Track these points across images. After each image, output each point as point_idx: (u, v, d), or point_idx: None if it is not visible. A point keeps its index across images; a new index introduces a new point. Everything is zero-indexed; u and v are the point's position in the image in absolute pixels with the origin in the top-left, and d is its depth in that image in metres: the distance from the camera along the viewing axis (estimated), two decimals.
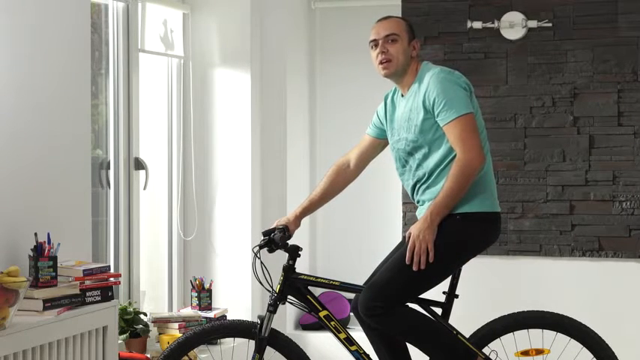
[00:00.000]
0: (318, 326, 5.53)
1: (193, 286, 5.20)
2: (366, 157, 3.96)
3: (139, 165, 5.03)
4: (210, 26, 5.52)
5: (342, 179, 3.95)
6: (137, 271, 5.03)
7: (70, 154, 4.01)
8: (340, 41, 6.00)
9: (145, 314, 4.85)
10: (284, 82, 5.66)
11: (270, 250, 3.76)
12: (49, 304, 3.48)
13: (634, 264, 5.37)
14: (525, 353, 3.80)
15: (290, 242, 3.75)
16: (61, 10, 3.94)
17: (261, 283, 3.73)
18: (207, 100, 5.53)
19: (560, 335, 3.79)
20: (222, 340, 4.96)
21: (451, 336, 3.65)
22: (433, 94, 3.60)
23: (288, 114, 5.69)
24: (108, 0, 4.88)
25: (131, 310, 4.73)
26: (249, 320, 3.82)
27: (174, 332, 4.89)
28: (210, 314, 5.10)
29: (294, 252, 3.72)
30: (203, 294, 5.16)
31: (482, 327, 3.76)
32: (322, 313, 3.73)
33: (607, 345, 3.74)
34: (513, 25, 5.49)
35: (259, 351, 3.69)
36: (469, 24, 5.54)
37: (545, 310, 3.86)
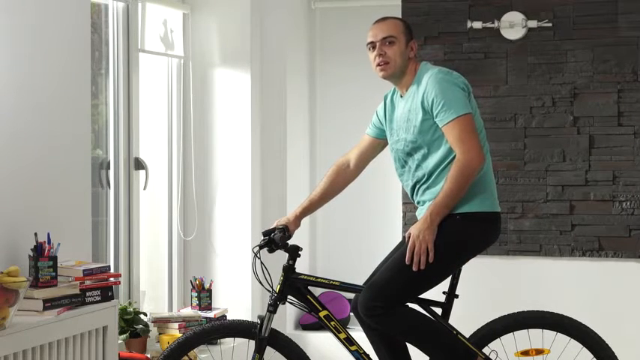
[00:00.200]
0: (318, 326, 5.53)
1: (193, 286, 5.20)
2: (366, 157, 3.96)
3: (139, 165, 5.03)
4: (210, 26, 5.52)
5: (342, 179, 3.95)
6: (137, 271, 5.03)
7: (70, 154, 4.01)
8: (340, 41, 6.00)
9: (145, 314, 4.85)
10: (284, 82, 5.66)
11: (270, 250, 3.76)
12: (49, 304, 3.48)
13: (634, 264, 5.37)
14: (525, 353, 3.80)
15: (290, 242, 3.75)
16: (61, 10, 3.94)
17: (261, 283, 3.73)
18: (207, 100, 5.53)
19: (560, 335, 3.79)
20: (222, 340, 4.96)
21: (451, 336, 3.65)
22: (431, 94, 3.60)
23: (288, 114, 5.69)
24: (108, 0, 4.88)
25: (131, 310, 4.73)
26: (249, 320, 3.82)
27: (174, 332, 4.89)
28: (210, 314, 5.10)
29: (294, 252, 3.72)
30: (203, 294, 5.16)
31: (482, 327, 3.76)
32: (322, 313, 3.73)
33: (607, 345, 3.74)
34: (513, 25, 5.49)
35: (259, 351, 3.69)
36: (469, 24, 5.54)
37: (545, 310, 3.87)
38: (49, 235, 3.60)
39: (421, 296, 3.69)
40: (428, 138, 3.64)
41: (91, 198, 4.20)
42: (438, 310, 3.71)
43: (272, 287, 3.75)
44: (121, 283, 4.86)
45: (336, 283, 3.76)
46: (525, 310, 3.86)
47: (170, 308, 5.44)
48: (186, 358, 3.83)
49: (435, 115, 3.60)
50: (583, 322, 3.78)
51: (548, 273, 5.48)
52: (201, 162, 5.51)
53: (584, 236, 5.43)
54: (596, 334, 3.75)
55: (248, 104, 5.51)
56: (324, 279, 3.79)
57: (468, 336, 3.71)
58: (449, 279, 3.71)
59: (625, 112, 5.37)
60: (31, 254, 3.53)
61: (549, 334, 3.80)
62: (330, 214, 5.72)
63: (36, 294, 3.45)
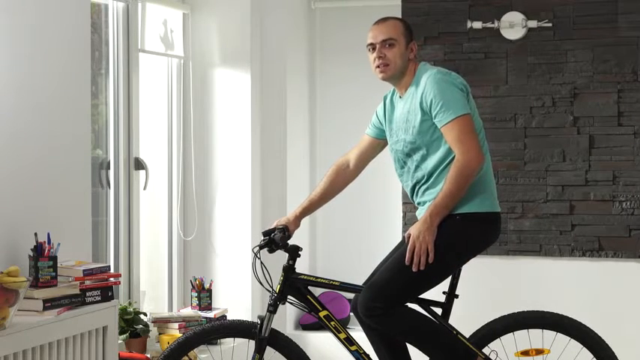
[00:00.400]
0: (318, 326, 5.53)
1: (193, 286, 5.20)
2: (366, 157, 3.96)
3: (139, 165, 5.03)
4: (210, 26, 5.52)
5: (341, 179, 3.95)
6: (137, 271, 5.03)
7: (70, 154, 4.01)
8: (340, 41, 6.00)
9: (145, 314, 4.85)
10: (284, 82, 5.66)
11: (271, 251, 3.76)
12: (49, 304, 3.48)
13: (634, 264, 5.37)
14: (525, 353, 3.80)
15: (290, 242, 3.75)
16: (61, 10, 3.94)
17: (261, 283, 3.73)
18: (207, 100, 5.53)
19: (560, 335, 3.79)
20: (222, 340, 4.96)
21: (451, 336, 3.65)
22: (430, 95, 3.60)
23: (288, 114, 5.69)
24: (108, 0, 4.88)
25: (131, 310, 4.73)
26: (249, 320, 3.82)
27: (174, 332, 4.89)
28: (210, 314, 5.10)
29: (294, 252, 3.72)
30: (203, 294, 5.16)
31: (482, 327, 3.76)
32: (322, 313, 3.73)
33: (607, 345, 3.74)
34: (513, 25, 5.49)
35: (259, 351, 3.69)
36: (469, 24, 5.54)
37: (545, 310, 3.87)
38: (49, 235, 3.60)
39: (421, 296, 3.69)
40: (427, 139, 3.64)
41: (91, 198, 4.20)
42: (438, 310, 3.71)
43: (272, 287, 3.75)
44: (121, 283, 4.86)
45: (336, 283, 3.76)
46: (525, 310, 3.86)
47: (170, 308, 5.44)
48: (186, 358, 3.83)
49: (433, 115, 3.60)
50: (583, 322, 3.78)
51: (548, 273, 5.48)
52: (201, 162, 5.51)
53: (584, 236, 5.43)
54: (596, 334, 3.75)
55: (248, 104, 5.51)
56: (324, 279, 3.79)
57: (468, 336, 3.71)
58: (449, 279, 3.71)
59: (625, 112, 5.37)
60: (31, 254, 3.53)
61: (549, 334, 3.80)
62: (330, 214, 5.72)
63: (36, 294, 3.45)
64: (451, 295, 3.72)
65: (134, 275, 5.00)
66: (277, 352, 3.79)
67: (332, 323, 3.73)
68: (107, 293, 3.76)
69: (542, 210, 5.48)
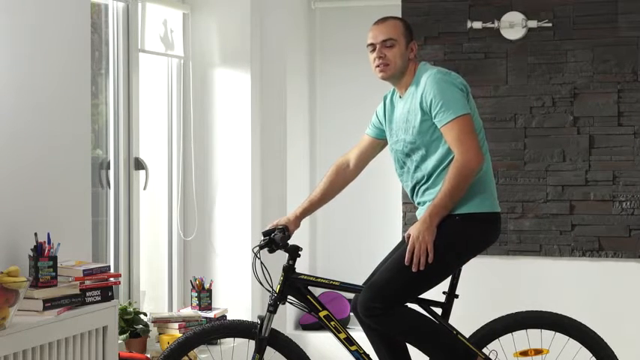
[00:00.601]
0: (318, 326, 5.53)
1: (193, 286, 5.20)
2: (366, 157, 3.96)
3: (139, 165, 5.03)
4: (210, 26, 5.52)
5: (341, 179, 3.95)
6: (137, 271, 5.03)
7: (70, 154, 4.01)
8: (340, 41, 6.00)
9: (145, 314, 4.85)
10: (284, 82, 5.66)
11: (271, 251, 3.76)
12: (49, 304, 3.47)
13: (634, 264, 5.37)
14: (524, 354, 3.80)
15: (290, 242, 3.75)
16: (61, 10, 3.94)
17: (261, 283, 3.73)
18: (207, 100, 5.53)
19: (558, 335, 3.79)
20: (222, 340, 4.96)
21: (451, 336, 3.65)
22: (430, 95, 3.60)
23: (288, 114, 5.69)
24: (108, 0, 4.88)
25: (131, 310, 4.73)
26: (249, 320, 3.82)
27: (174, 332, 4.89)
28: (210, 314, 5.10)
29: (294, 252, 3.72)
30: (203, 294, 5.16)
31: (482, 327, 3.76)
32: (322, 313, 3.73)
33: (607, 345, 3.74)
34: (513, 25, 5.49)
35: (259, 351, 3.69)
36: (469, 24, 5.54)
37: (545, 310, 3.86)
38: (49, 235, 3.60)
39: (421, 296, 3.69)
40: (427, 139, 3.64)
41: (91, 198, 4.20)
42: (438, 310, 3.71)
43: (272, 287, 3.75)
44: (121, 283, 4.86)
45: (336, 283, 3.76)
46: (525, 310, 3.86)
47: (170, 308, 5.44)
48: (186, 358, 3.83)
49: (433, 115, 3.60)
50: (583, 322, 3.78)
51: (548, 273, 5.48)
52: (201, 162, 5.51)
53: (584, 236, 5.43)
54: (596, 334, 3.75)
55: (248, 104, 5.51)
56: (324, 279, 3.78)
57: (468, 336, 3.71)
58: (449, 279, 3.71)
59: (625, 112, 5.37)
60: (31, 254, 3.53)
61: (548, 334, 3.80)
62: (330, 214, 5.72)
63: (36, 294, 3.45)
64: (451, 295, 3.71)
65: (134, 275, 5.00)
66: (277, 352, 3.79)
67: (332, 323, 3.73)
68: (107, 293, 3.76)
69: (542, 210, 5.48)
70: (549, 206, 5.47)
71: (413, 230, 3.55)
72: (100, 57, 4.88)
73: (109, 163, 4.88)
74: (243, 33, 5.50)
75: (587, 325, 3.77)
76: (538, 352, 3.77)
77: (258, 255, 3.72)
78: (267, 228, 3.81)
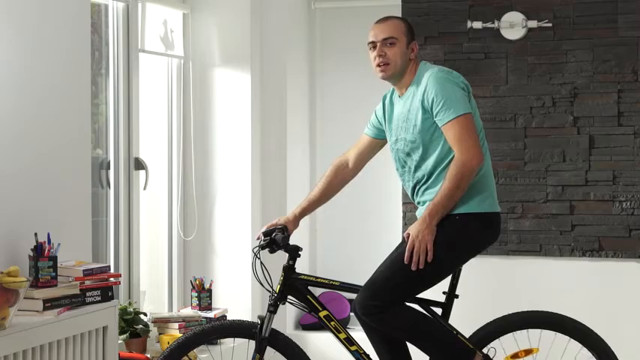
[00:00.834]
0: (318, 326, 5.53)
1: (193, 286, 5.20)
2: (364, 156, 3.96)
3: (139, 165, 5.03)
4: (210, 26, 5.52)
5: (340, 179, 3.95)
6: (137, 271, 5.03)
7: (70, 154, 4.01)
8: (340, 41, 6.00)
9: (145, 314, 4.85)
10: (284, 82, 5.66)
11: (271, 251, 3.76)
12: (49, 304, 3.47)
13: (634, 264, 5.37)
14: (515, 356, 3.78)
15: (290, 242, 3.75)
16: (61, 10, 3.94)
17: (261, 283, 3.73)
18: (207, 100, 5.53)
19: (559, 335, 3.79)
20: (222, 340, 4.96)
21: (450, 335, 3.65)
22: (432, 94, 3.60)
23: (288, 114, 5.68)
24: (108, 0, 4.88)
25: (131, 310, 4.73)
26: (250, 320, 3.82)
27: (174, 332, 4.88)
28: (210, 314, 5.10)
29: (295, 252, 3.72)
30: (203, 294, 5.16)
31: (482, 327, 3.76)
32: (322, 313, 3.73)
33: (607, 345, 3.74)
34: (513, 25, 5.49)
35: (259, 351, 3.69)
36: (469, 24, 5.55)
37: (545, 310, 3.86)
38: (49, 235, 3.60)
39: (421, 296, 3.69)
40: (427, 137, 3.64)
41: (91, 198, 4.20)
42: (438, 310, 3.71)
43: (272, 287, 3.75)
44: (121, 283, 4.86)
45: (336, 283, 3.76)
46: (525, 310, 3.86)
47: (170, 308, 5.44)
48: (186, 358, 3.83)
49: (434, 114, 3.60)
50: (583, 322, 3.78)
51: (548, 273, 5.48)
52: (201, 162, 5.51)
53: (584, 236, 5.43)
54: (596, 334, 3.75)
55: (248, 104, 5.50)
56: (324, 279, 3.79)
57: (468, 336, 3.71)
58: (449, 279, 3.71)
59: (625, 112, 5.37)
60: (31, 254, 3.53)
61: (547, 334, 3.80)
62: (330, 214, 5.72)
63: (36, 294, 3.45)
64: (451, 295, 3.72)
65: (134, 275, 5.00)
66: (277, 352, 3.79)
67: (332, 323, 3.73)
68: (107, 293, 3.75)
69: (542, 210, 5.48)
70: (549, 206, 5.47)
71: (412, 229, 3.55)
72: (100, 57, 4.88)
73: (109, 163, 4.88)
74: (243, 33, 5.50)
75: (587, 325, 3.77)
76: (528, 352, 3.76)
77: (258, 255, 3.72)
78: (266, 228, 3.81)
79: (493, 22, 5.51)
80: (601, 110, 5.40)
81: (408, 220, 5.57)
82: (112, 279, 3.80)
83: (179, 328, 4.90)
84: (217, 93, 5.53)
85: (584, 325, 3.76)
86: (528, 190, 5.50)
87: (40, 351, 3.37)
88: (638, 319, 5.33)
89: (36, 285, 3.48)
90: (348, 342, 3.73)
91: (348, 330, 3.76)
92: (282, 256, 3.76)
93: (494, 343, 3.75)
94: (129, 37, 4.98)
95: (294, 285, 3.74)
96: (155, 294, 5.42)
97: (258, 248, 3.74)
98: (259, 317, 3.72)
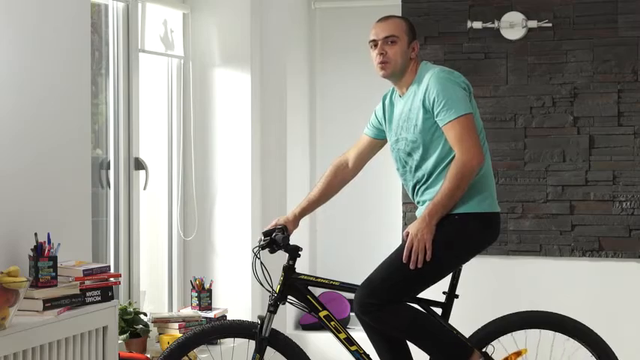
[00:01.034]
0: (318, 326, 5.52)
1: (193, 286, 5.20)
2: (364, 156, 3.96)
3: (139, 165, 5.03)
4: (210, 26, 5.52)
5: (340, 179, 3.95)
6: (137, 271, 5.03)
7: (70, 154, 4.01)
8: (340, 41, 6.00)
9: (145, 314, 4.85)
10: (284, 82, 5.66)
11: (272, 251, 3.76)
12: (49, 304, 3.47)
13: (634, 264, 5.37)
14: None
15: (290, 242, 3.75)
16: (61, 10, 3.94)
17: (261, 283, 3.73)
18: (207, 100, 5.53)
19: (559, 335, 3.79)
20: (222, 340, 4.96)
21: (449, 333, 3.64)
22: (433, 93, 3.60)
23: (288, 114, 5.68)
24: (108, 0, 4.88)
25: (131, 310, 4.73)
26: (250, 320, 3.82)
27: (174, 332, 4.88)
28: (210, 314, 5.10)
29: (295, 252, 3.72)
30: (203, 294, 5.16)
31: (482, 327, 3.76)
32: (322, 313, 3.73)
33: (607, 345, 3.74)
34: (513, 25, 5.49)
35: (260, 351, 3.69)
36: (469, 24, 5.55)
37: (545, 310, 3.86)
38: (49, 235, 3.60)
39: (421, 296, 3.69)
40: (428, 137, 3.64)
41: (91, 198, 4.20)
42: (438, 310, 3.71)
43: (272, 287, 3.75)
44: (121, 283, 4.86)
45: (336, 283, 3.76)
46: (525, 310, 3.86)
47: (170, 308, 5.44)
48: (186, 358, 3.83)
49: (435, 114, 3.60)
50: (583, 322, 3.77)
51: (549, 273, 5.48)
52: (201, 162, 5.51)
53: (584, 236, 5.43)
54: (596, 334, 3.75)
55: (248, 104, 5.50)
56: (324, 279, 3.79)
57: (468, 336, 3.71)
58: (449, 279, 3.71)
59: (625, 112, 5.37)
60: (31, 254, 3.53)
61: (546, 334, 3.80)
62: (330, 214, 5.72)
63: (36, 294, 3.45)
64: (451, 295, 3.71)
65: (134, 275, 5.00)
66: (277, 352, 3.79)
67: (332, 323, 3.73)
68: (107, 293, 3.75)
69: (542, 210, 5.48)
70: (549, 206, 5.47)
71: (412, 228, 3.56)
72: (100, 57, 4.88)
73: (109, 163, 4.88)
74: (243, 33, 5.50)
75: (587, 325, 3.77)
76: (518, 354, 3.75)
77: (258, 255, 3.72)
78: (266, 228, 3.81)
79: (493, 22, 5.51)
80: (601, 110, 5.40)
81: (408, 220, 5.57)
82: (112, 279, 3.80)
83: (179, 328, 4.90)
84: (217, 93, 5.53)
85: (584, 325, 3.76)
86: (528, 190, 5.50)
87: (40, 351, 3.37)
88: (638, 319, 5.33)
89: (36, 285, 3.48)
90: (348, 342, 3.73)
91: (348, 330, 3.76)
92: (282, 256, 3.76)
93: (494, 343, 3.75)
94: (129, 37, 4.98)
95: (294, 285, 3.74)
96: (155, 294, 5.42)
97: (258, 248, 3.74)
98: (259, 317, 3.72)
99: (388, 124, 3.82)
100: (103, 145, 4.91)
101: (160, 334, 4.94)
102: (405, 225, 5.56)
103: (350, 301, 5.48)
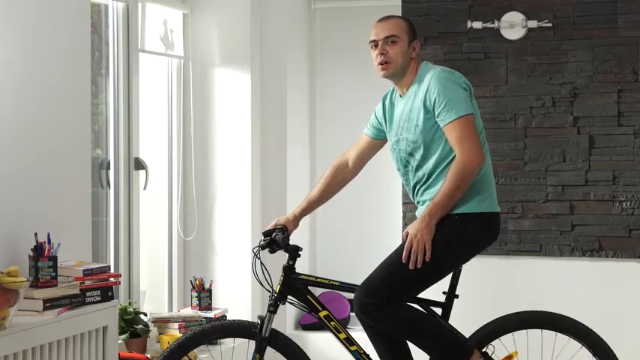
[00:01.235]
0: (318, 326, 5.52)
1: (193, 286, 5.20)
2: (364, 157, 3.96)
3: (139, 165, 5.03)
4: (210, 26, 5.52)
5: (339, 179, 3.95)
6: (137, 271, 5.03)
7: (70, 154, 4.01)
8: (340, 41, 6.00)
9: (145, 314, 4.85)
10: (284, 82, 5.66)
11: (272, 251, 3.76)
12: (49, 304, 3.47)
13: (634, 264, 5.37)
14: None
15: (290, 242, 3.75)
16: (61, 10, 3.94)
17: (261, 283, 3.73)
18: (207, 100, 5.53)
19: (560, 335, 3.79)
20: (222, 340, 4.96)
21: (449, 333, 3.64)
22: (434, 94, 3.60)
23: (288, 114, 5.68)
24: (108, 0, 4.88)
25: (131, 310, 4.73)
26: (250, 320, 3.82)
27: (174, 332, 4.88)
28: (210, 314, 5.10)
29: (295, 252, 3.72)
30: (203, 294, 5.16)
31: (482, 327, 3.76)
32: (322, 313, 3.73)
33: (607, 345, 3.74)
34: (513, 25, 5.49)
35: (260, 351, 3.69)
36: (469, 24, 5.55)
37: (545, 310, 3.86)
38: (49, 235, 3.60)
39: (421, 296, 3.69)
40: (429, 137, 3.64)
41: (91, 198, 4.20)
42: (438, 310, 3.71)
43: (272, 287, 3.75)
44: (121, 283, 4.86)
45: (336, 283, 3.76)
46: (525, 310, 3.86)
47: (170, 308, 5.44)
48: (186, 358, 3.83)
49: (436, 114, 3.60)
50: (583, 322, 3.77)
51: (549, 273, 5.48)
52: (201, 162, 5.51)
53: (584, 236, 5.43)
54: (596, 334, 3.75)
55: (248, 104, 5.51)
56: (324, 279, 3.78)
57: (468, 336, 3.71)
58: (449, 279, 3.71)
59: (625, 112, 5.37)
60: (31, 254, 3.53)
61: (548, 334, 3.80)
62: (330, 214, 5.72)
63: (36, 294, 3.45)
64: (451, 295, 3.71)
65: (134, 275, 5.00)
66: (277, 352, 3.78)
67: (332, 323, 3.73)
68: (107, 293, 3.75)
69: (542, 210, 5.48)
70: (549, 206, 5.47)
71: (411, 228, 3.56)
72: (100, 57, 4.88)
73: (109, 163, 4.88)
74: (243, 33, 5.50)
75: (588, 325, 3.77)
76: (509, 358, 3.75)
77: (258, 255, 3.72)
78: (267, 228, 3.81)
79: (493, 22, 5.51)
80: (601, 110, 5.40)
81: (408, 220, 5.56)
82: (112, 279, 3.80)
83: (179, 328, 4.90)
84: (217, 93, 5.53)
85: (584, 325, 3.76)
86: (528, 190, 5.50)
87: (40, 351, 3.37)
88: (638, 319, 5.33)
89: (36, 285, 3.48)
90: (348, 342, 3.73)
91: (348, 330, 3.76)
92: (282, 256, 3.76)
93: (494, 343, 3.75)
94: (129, 37, 4.98)
95: (294, 285, 3.74)
96: (155, 294, 5.42)
97: (258, 248, 3.74)
98: (259, 317, 3.72)
99: (389, 125, 3.81)
100: (103, 145, 4.91)
101: (160, 334, 4.94)
102: (405, 225, 5.56)
103: (350, 301, 5.48)
